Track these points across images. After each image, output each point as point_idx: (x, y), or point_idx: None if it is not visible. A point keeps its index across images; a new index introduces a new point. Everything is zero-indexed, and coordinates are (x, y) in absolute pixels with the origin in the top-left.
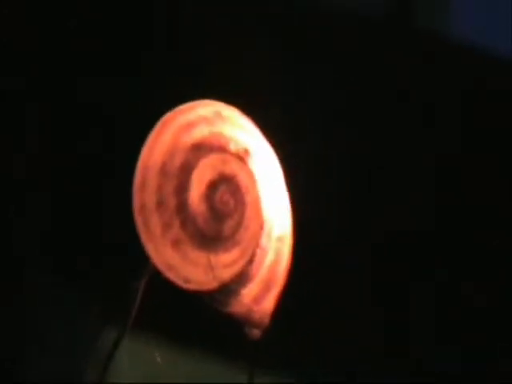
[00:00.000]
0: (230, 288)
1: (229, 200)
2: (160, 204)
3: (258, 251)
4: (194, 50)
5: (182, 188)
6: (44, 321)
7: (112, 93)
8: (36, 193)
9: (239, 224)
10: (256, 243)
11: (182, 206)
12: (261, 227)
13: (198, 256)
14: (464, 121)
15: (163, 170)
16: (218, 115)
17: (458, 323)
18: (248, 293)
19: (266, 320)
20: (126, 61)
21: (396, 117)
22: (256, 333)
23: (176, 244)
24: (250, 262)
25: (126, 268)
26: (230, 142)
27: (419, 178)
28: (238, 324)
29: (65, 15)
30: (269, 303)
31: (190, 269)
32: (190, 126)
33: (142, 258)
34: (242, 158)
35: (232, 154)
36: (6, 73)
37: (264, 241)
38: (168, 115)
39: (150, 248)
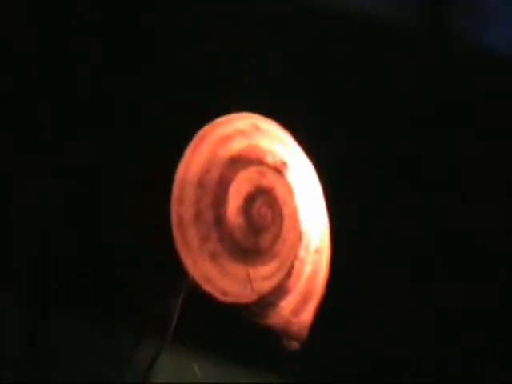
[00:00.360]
0: (268, 300)
1: (266, 212)
2: (198, 217)
3: (296, 263)
4: (231, 62)
5: (220, 201)
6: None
7: (149, 105)
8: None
9: (277, 236)
10: (294, 255)
11: (220, 219)
12: (299, 239)
13: (236, 269)
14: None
15: (201, 184)
16: (256, 128)
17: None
18: (286, 305)
19: (305, 332)
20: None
21: (435, 125)
22: (294, 345)
23: (214, 257)
24: (289, 274)
25: (165, 282)
26: (267, 155)
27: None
28: (277, 336)
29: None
30: (307, 315)
31: (228, 282)
32: (228, 139)
33: (181, 271)
34: (279, 170)
35: (269, 167)
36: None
37: (302, 253)
38: (205, 128)
39: (188, 261)
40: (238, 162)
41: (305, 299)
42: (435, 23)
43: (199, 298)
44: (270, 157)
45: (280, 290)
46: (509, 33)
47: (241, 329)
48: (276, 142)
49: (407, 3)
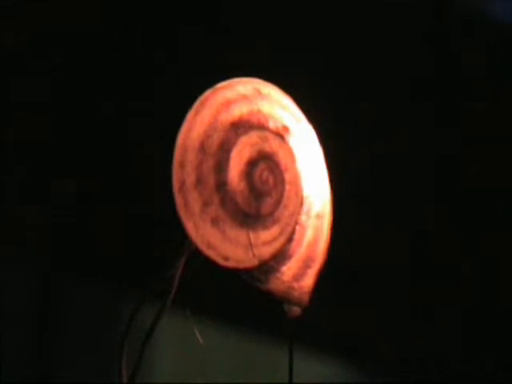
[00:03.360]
0: (270, 266)
1: (268, 178)
2: (199, 182)
3: (298, 228)
4: (233, 28)
5: (222, 166)
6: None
7: (150, 71)
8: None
9: (278, 202)
10: (295, 221)
11: (222, 184)
12: (300, 205)
13: (238, 234)
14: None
15: (202, 148)
16: (258, 92)
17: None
18: (287, 270)
19: (306, 297)
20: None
21: (438, 96)
22: (295, 310)
23: (215, 222)
24: (290, 239)
25: (165, 246)
26: (269, 120)
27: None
28: (278, 301)
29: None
30: (308, 280)
31: (230, 246)
32: (229, 103)
33: (181, 236)
34: (281, 135)
35: (271, 132)
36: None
37: (303, 218)
38: (207, 93)
39: (190, 226)
40: (240, 126)
41: (306, 264)
42: None
43: (200, 263)
44: (271, 122)
45: (281, 256)
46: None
47: (242, 294)
48: (278, 107)
49: None
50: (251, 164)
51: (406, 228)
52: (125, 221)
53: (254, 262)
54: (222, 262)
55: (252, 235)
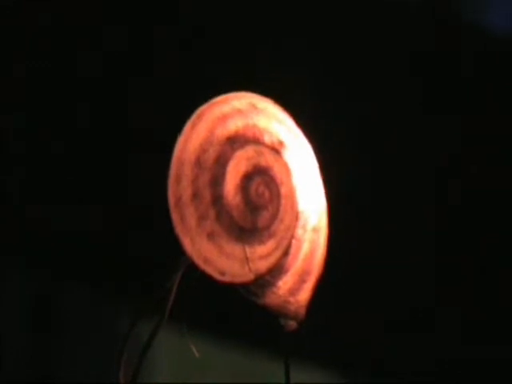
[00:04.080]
0: (266, 280)
1: (264, 192)
2: (195, 196)
3: (294, 242)
4: (228, 42)
5: (218, 180)
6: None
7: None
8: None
9: (274, 216)
10: (291, 235)
11: (218, 198)
12: (296, 219)
13: (234, 248)
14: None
15: (198, 163)
16: (253, 107)
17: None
18: (283, 284)
19: (302, 311)
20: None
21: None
22: (292, 324)
23: (211, 236)
24: (286, 253)
25: (162, 263)
26: (264, 134)
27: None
28: (274, 316)
29: None
30: (304, 295)
31: (226, 261)
32: (225, 118)
33: (178, 251)
34: (276, 149)
35: (267, 146)
36: None
37: (299, 232)
38: (203, 108)
39: (186, 241)
40: (236, 141)
41: (302, 278)
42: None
43: (197, 277)
44: (267, 136)
45: (277, 270)
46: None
47: (238, 308)
48: (274, 122)
49: None
50: (247, 178)
51: (405, 237)
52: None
53: (250, 277)
54: (218, 277)
55: (248, 249)
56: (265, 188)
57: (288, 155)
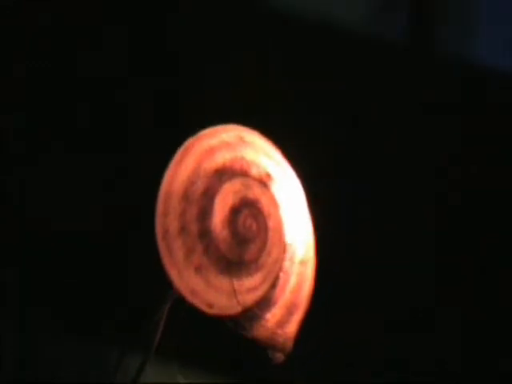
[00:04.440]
0: (254, 312)
1: (251, 225)
2: (183, 230)
3: (281, 275)
4: (216, 75)
5: (205, 213)
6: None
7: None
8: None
9: (262, 248)
10: (279, 267)
11: (205, 232)
12: (283, 251)
13: (221, 281)
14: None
15: (186, 196)
16: (241, 140)
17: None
18: (271, 317)
19: (290, 344)
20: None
21: (422, 140)
22: (279, 356)
23: (199, 269)
24: (273, 286)
25: (149, 295)
26: (252, 167)
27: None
28: (262, 348)
29: None
30: (292, 327)
31: (213, 294)
32: (213, 150)
33: (165, 284)
34: (264, 182)
35: (254, 179)
36: None
37: (287, 265)
38: (191, 140)
39: (173, 273)
40: (223, 173)
41: (290, 311)
42: (420, 36)
43: (184, 310)
44: (254, 169)
45: (265, 302)
46: (493, 45)
47: (226, 340)
48: (261, 154)
49: (391, 17)
50: (235, 211)
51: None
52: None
53: (238, 309)
54: (206, 310)
55: (236, 282)
56: (252, 221)
57: (275, 188)
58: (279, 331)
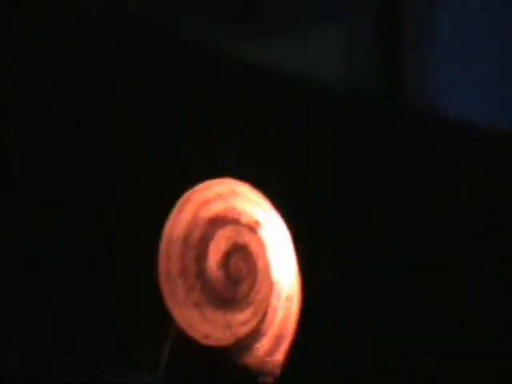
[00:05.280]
0: (245, 343)
1: (242, 266)
2: (183, 271)
3: (269, 310)
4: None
5: (202, 257)
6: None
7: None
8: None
9: (252, 287)
10: (267, 303)
11: (202, 273)
12: (271, 289)
13: (216, 316)
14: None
15: (185, 242)
16: (232, 191)
17: None
18: (261, 347)
19: (278, 370)
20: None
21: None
22: (269, 381)
23: (197, 306)
24: (262, 320)
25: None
26: (242, 215)
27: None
28: (253, 374)
29: None
30: (280, 355)
31: (210, 327)
32: (208, 202)
33: (167, 320)
34: (253, 228)
35: (244, 226)
36: None
37: (274, 301)
38: (188, 193)
39: (175, 310)
40: (217, 222)
41: (277, 341)
42: (391, 89)
43: (185, 343)
44: (244, 217)
45: (255, 334)
46: (465, 100)
47: (221, 369)
48: (250, 203)
49: (362, 70)
50: (227, 255)
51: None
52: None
53: (232, 341)
54: (202, 341)
55: (229, 317)
56: (243, 263)
57: (263, 233)
58: (268, 359)
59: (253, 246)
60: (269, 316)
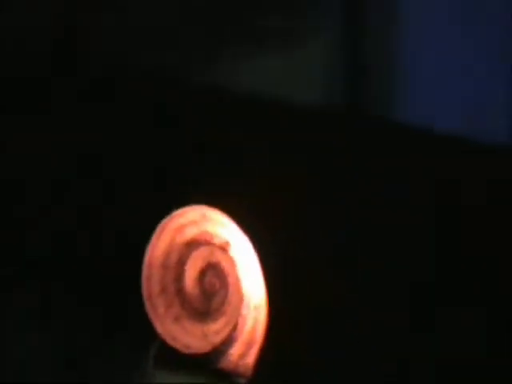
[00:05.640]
0: (220, 349)
1: (215, 282)
2: (163, 290)
3: (240, 319)
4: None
5: (180, 276)
6: None
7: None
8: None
9: (224, 300)
10: (238, 313)
11: (180, 290)
12: (241, 301)
13: (194, 327)
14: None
15: (164, 264)
16: (204, 217)
17: None
18: (234, 352)
19: (249, 371)
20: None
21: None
22: (242, 382)
23: (176, 320)
24: (234, 328)
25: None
26: (214, 237)
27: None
28: (228, 376)
29: None
30: (251, 359)
31: (189, 338)
32: (183, 227)
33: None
34: (224, 248)
35: (216, 246)
36: None
37: (244, 311)
38: (165, 220)
39: (157, 324)
40: (192, 244)
41: (248, 346)
42: (351, 101)
43: (167, 352)
44: (216, 238)
45: (229, 341)
46: (424, 109)
47: (201, 373)
48: (220, 227)
49: (323, 85)
50: (202, 273)
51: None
52: None
53: (208, 348)
54: (184, 350)
55: (205, 327)
56: (216, 279)
57: (233, 252)
58: (241, 362)
59: (224, 264)
60: (240, 325)
